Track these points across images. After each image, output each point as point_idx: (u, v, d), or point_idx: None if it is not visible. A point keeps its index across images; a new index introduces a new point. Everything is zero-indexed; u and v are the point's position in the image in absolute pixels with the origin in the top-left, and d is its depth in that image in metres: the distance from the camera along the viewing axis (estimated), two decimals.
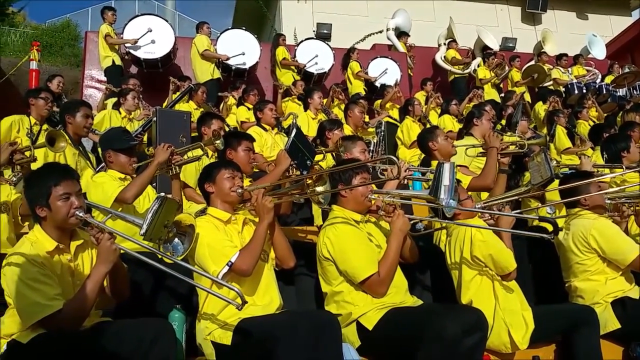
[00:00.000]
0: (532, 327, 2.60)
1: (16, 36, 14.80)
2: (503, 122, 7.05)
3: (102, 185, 2.94)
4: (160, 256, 2.26)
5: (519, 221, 3.05)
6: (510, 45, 11.13)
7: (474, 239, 2.67)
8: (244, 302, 1.97)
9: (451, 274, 2.83)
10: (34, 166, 3.02)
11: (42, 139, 3.44)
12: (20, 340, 1.93)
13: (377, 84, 8.23)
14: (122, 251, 2.10)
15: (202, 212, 2.66)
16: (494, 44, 10.13)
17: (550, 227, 2.27)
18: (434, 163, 3.58)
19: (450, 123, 6.63)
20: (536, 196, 3.49)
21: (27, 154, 3.08)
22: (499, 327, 2.57)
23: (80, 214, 2.07)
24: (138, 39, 7.29)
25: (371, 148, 5.32)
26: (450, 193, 2.28)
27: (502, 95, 8.70)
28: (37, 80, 8.34)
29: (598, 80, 9.16)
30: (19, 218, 3.15)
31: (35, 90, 4.76)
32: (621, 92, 8.82)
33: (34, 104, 4.45)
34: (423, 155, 4.78)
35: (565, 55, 9.63)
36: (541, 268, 3.30)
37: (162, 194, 2.09)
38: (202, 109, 6.09)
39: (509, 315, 2.60)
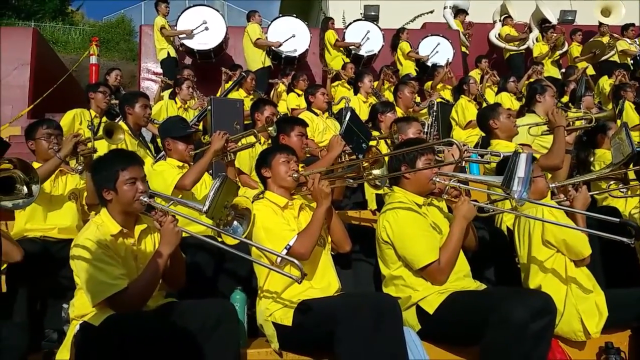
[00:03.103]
0: (606, 314, 2.45)
1: (76, 34, 15.63)
2: (564, 99, 6.68)
3: (162, 174, 3.03)
4: (220, 240, 2.29)
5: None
6: (569, 18, 10.54)
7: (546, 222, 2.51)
8: (304, 275, 1.97)
9: (518, 258, 2.70)
10: (96, 157, 3.13)
11: (102, 132, 3.58)
12: (92, 322, 2.00)
13: (429, 63, 7.99)
14: (184, 234, 2.13)
15: (259, 196, 2.68)
16: (552, 17, 9.60)
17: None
18: (495, 142, 3.45)
19: (508, 101, 6.35)
20: (618, 177, 3.26)
21: (89, 145, 3.21)
22: (570, 314, 2.44)
23: (145, 199, 2.13)
24: (193, 30, 7.44)
25: (425, 130, 5.16)
26: (525, 186, 2.11)
27: (563, 71, 8.26)
28: (97, 75, 8.70)
29: None
30: (85, 207, 3.30)
31: (94, 85, 4.97)
32: None
33: (94, 97, 4.66)
34: (478, 137, 4.62)
35: (633, 25, 8.97)
36: (611, 249, 3.09)
37: (223, 173, 2.11)
38: (252, 97, 6.14)
39: (581, 302, 2.46)
